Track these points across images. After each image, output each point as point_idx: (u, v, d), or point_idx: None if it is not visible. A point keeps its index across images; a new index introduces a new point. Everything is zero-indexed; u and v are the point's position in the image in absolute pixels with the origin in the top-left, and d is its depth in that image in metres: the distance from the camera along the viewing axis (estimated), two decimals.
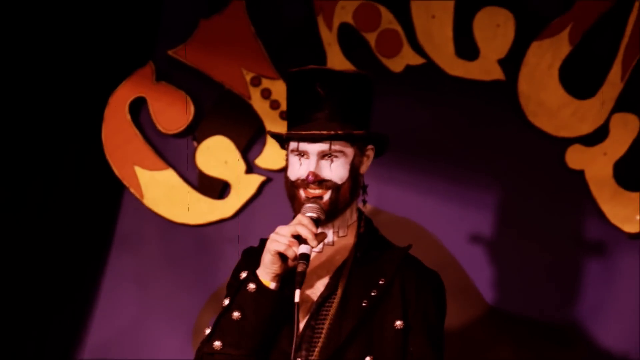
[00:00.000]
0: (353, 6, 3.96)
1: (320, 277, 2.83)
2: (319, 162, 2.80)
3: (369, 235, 2.90)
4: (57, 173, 4.16)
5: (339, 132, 2.78)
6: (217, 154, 4.11)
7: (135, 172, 4.16)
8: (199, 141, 4.14)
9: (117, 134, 4.17)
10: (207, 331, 2.79)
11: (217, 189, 4.12)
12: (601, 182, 3.79)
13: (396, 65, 3.96)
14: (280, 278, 2.75)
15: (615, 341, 3.74)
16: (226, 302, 2.79)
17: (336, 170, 2.81)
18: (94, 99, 4.17)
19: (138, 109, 4.19)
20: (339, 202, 2.82)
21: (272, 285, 2.74)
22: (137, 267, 4.16)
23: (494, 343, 3.81)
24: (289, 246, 2.70)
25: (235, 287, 2.80)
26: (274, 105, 4.03)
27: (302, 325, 2.77)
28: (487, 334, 3.82)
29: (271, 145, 3.98)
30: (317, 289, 2.82)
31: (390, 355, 2.74)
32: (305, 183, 2.80)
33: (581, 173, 3.80)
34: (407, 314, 2.78)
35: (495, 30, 3.86)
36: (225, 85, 4.11)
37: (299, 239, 2.71)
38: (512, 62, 3.86)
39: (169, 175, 4.15)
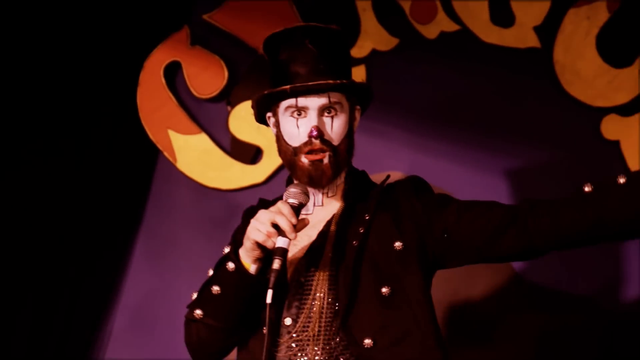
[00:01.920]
0: None
1: (311, 238, 2.80)
2: (320, 119, 2.77)
3: (355, 188, 2.86)
4: (92, 136, 4.19)
5: (344, 81, 2.76)
6: (250, 119, 4.04)
7: (169, 136, 4.18)
8: (233, 106, 4.15)
9: (152, 98, 4.20)
10: (194, 295, 2.81)
11: (249, 154, 4.13)
12: (637, 153, 3.69)
13: (430, 31, 3.92)
14: (262, 260, 2.70)
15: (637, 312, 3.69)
16: (210, 272, 2.80)
17: (336, 129, 2.77)
18: (130, 63, 4.20)
19: (173, 73, 4.21)
20: (340, 164, 2.80)
21: (252, 268, 2.70)
22: (170, 229, 4.20)
23: (522, 314, 3.77)
24: (268, 237, 2.63)
25: (219, 260, 2.80)
26: None
27: (290, 281, 2.74)
28: (516, 306, 3.77)
29: None
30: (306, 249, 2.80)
31: (404, 278, 2.71)
32: (308, 143, 2.75)
33: (616, 144, 3.72)
34: (404, 232, 2.75)
35: None
36: (259, 50, 4.06)
37: (279, 229, 2.63)
38: (548, 29, 3.78)
39: (202, 140, 4.17)
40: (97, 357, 4.17)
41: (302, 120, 2.78)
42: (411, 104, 3.92)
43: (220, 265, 2.76)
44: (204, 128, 4.18)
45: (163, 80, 4.18)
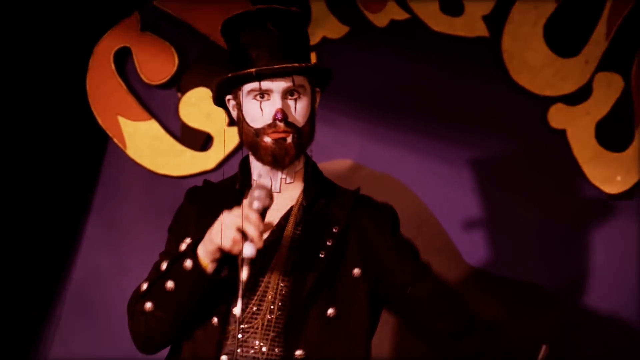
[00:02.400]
0: None
1: (266, 227, 2.75)
2: (284, 101, 2.76)
3: (315, 180, 2.86)
4: (42, 122, 4.15)
5: (308, 64, 2.76)
6: (200, 106, 4.11)
7: (119, 122, 4.16)
8: (183, 92, 4.14)
9: (102, 84, 4.17)
10: (144, 286, 2.78)
11: (199, 141, 4.12)
12: (583, 142, 3.75)
13: (381, 20, 3.93)
14: (219, 259, 2.67)
15: (594, 301, 3.73)
16: (164, 266, 2.75)
17: (300, 111, 2.77)
18: (80, 48, 4.17)
19: (123, 59, 4.18)
20: (303, 146, 2.80)
21: (210, 267, 2.66)
22: (119, 216, 4.17)
23: (471, 302, 3.78)
24: (234, 243, 2.58)
25: (173, 256, 2.75)
26: None
27: (243, 275, 2.66)
28: (465, 293, 3.75)
29: None
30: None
31: (352, 304, 2.71)
32: (272, 125, 2.74)
33: (563, 132, 3.77)
34: (366, 260, 2.74)
35: None
36: (210, 37, 4.09)
37: (245, 235, 2.58)
38: (496, 19, 3.82)
39: (152, 126, 4.15)
40: (44, 343, 4.15)
41: (265, 103, 2.76)
42: (361, 92, 3.93)
43: (176, 261, 2.71)
44: (154, 115, 4.16)
45: (113, 66, 4.15)
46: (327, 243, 2.73)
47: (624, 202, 3.73)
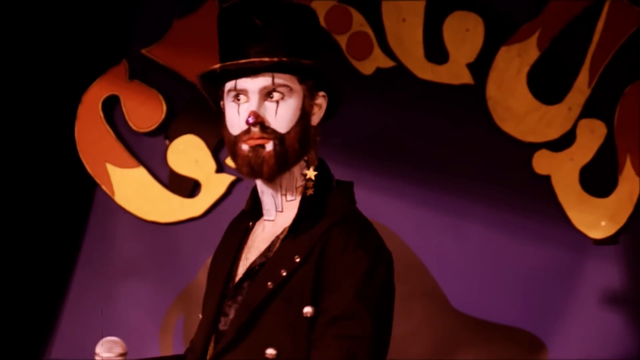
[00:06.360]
0: (325, 8, 3.97)
1: (260, 250, 2.44)
2: (262, 103, 2.36)
3: (316, 198, 2.41)
4: (30, 169, 4.18)
5: (284, 59, 2.33)
6: (188, 153, 4.13)
7: (107, 169, 4.18)
8: (171, 140, 4.16)
9: (90, 131, 4.20)
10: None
11: (187, 187, 4.15)
12: (567, 187, 3.80)
13: (367, 67, 3.98)
14: None
15: (577, 347, 3.75)
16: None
17: (282, 116, 2.35)
18: (68, 96, 4.20)
19: (111, 107, 4.22)
20: (287, 155, 2.36)
21: None
22: (107, 263, 4.18)
23: (458, 347, 3.82)
24: None
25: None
26: None
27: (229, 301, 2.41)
28: (452, 338, 3.83)
29: None
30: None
31: (297, 348, 2.31)
32: (247, 131, 2.35)
33: (547, 178, 3.82)
34: (319, 297, 2.31)
35: (464, 35, 3.88)
36: (198, 84, 4.12)
37: None
38: (481, 66, 3.88)
39: (140, 173, 4.18)
40: None
41: (243, 106, 2.36)
42: (347, 139, 3.96)
43: None
44: (142, 162, 4.18)
45: (101, 114, 4.18)
46: (282, 273, 2.34)
47: (609, 247, 3.77)
